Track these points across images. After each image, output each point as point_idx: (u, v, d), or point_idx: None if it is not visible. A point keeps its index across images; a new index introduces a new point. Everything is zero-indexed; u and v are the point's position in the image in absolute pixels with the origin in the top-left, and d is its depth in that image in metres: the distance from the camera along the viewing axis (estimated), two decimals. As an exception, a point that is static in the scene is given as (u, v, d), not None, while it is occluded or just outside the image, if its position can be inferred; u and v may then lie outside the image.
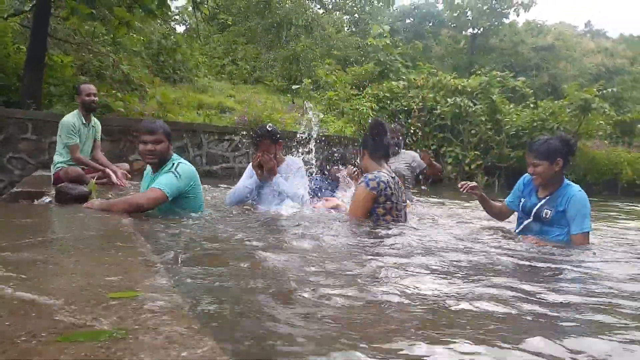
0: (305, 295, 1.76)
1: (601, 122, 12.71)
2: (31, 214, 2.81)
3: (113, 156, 7.61)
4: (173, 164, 3.43)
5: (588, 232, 3.18)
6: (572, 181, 3.37)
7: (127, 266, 1.65)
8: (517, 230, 3.52)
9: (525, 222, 3.43)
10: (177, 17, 19.40)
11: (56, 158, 5.35)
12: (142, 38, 13.26)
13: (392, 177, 3.29)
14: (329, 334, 1.40)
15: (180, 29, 19.99)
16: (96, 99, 5.54)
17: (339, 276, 2.07)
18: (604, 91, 12.97)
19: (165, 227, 2.95)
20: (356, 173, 4.24)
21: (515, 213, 3.63)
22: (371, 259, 2.40)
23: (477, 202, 3.97)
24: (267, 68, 18.40)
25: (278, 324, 1.44)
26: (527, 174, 3.50)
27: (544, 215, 3.28)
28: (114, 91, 9.40)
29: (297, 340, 1.33)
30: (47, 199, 3.60)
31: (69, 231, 2.38)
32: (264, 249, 2.53)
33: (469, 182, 3.67)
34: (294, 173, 3.96)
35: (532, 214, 3.35)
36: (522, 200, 3.47)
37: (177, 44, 14.20)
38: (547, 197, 3.29)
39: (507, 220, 3.83)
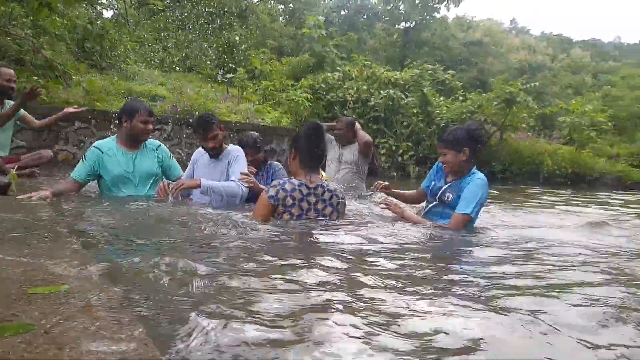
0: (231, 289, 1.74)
1: (525, 114, 13.36)
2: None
3: (35, 147, 7.20)
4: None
5: (468, 215, 3.23)
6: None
7: (51, 258, 1.56)
8: (423, 213, 3.66)
9: (431, 205, 3.58)
10: (104, 1, 18.54)
11: None
12: (65, 22, 12.57)
13: (308, 186, 2.90)
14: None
15: (107, 14, 19.12)
16: (15, 85, 5.21)
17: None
18: (528, 85, 13.63)
19: (93, 216, 2.83)
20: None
21: None
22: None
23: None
24: (200, 56, 17.98)
25: (217, 318, 1.41)
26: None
27: (446, 198, 3.42)
28: (35, 77, 8.85)
29: (226, 334, 1.31)
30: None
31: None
32: (203, 236, 2.48)
33: (381, 182, 3.85)
34: (235, 160, 3.86)
35: (437, 196, 3.49)
36: (432, 183, 3.61)
37: (104, 29, 13.58)
38: (453, 182, 3.44)
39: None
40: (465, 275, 2.13)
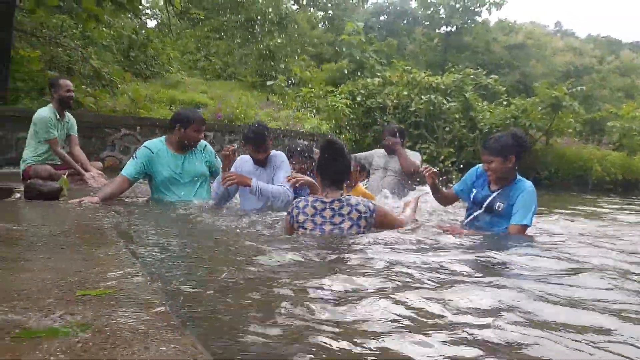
0: (285, 299, 1.72)
1: (571, 119, 12.94)
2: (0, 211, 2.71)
3: (85, 153, 7.43)
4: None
5: (527, 226, 3.23)
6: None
7: (101, 262, 1.59)
8: (466, 221, 3.57)
9: (476, 213, 3.48)
10: (148, 11, 19.09)
11: (26, 154, 5.18)
12: (112, 32, 12.99)
13: (324, 200, 2.85)
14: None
15: (151, 23, 19.68)
16: (73, 95, 5.43)
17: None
18: (574, 89, 13.20)
19: (143, 222, 2.88)
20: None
21: (460, 201, 3.75)
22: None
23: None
24: (241, 64, 18.26)
25: (257, 323, 1.40)
26: (479, 165, 3.57)
27: (496, 208, 3.33)
28: (83, 86, 9.16)
29: (274, 341, 1.30)
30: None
31: (41, 227, 2.29)
32: (246, 247, 2.48)
33: (431, 168, 3.69)
34: (279, 166, 3.88)
35: (484, 205, 3.40)
36: (474, 191, 3.52)
37: (148, 38, 13.97)
38: (500, 190, 3.35)
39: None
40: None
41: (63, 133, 5.39)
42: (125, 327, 1.01)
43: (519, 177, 3.39)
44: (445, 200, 3.89)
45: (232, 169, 3.95)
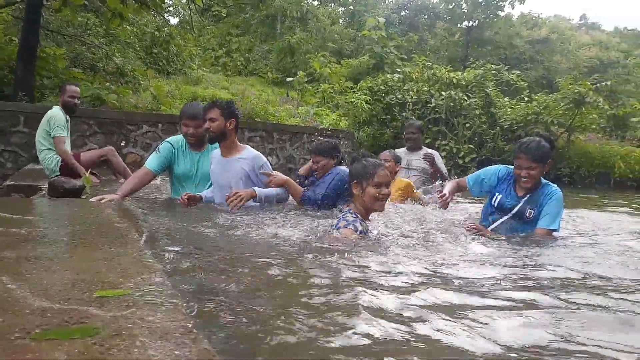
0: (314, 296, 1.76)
1: (594, 115, 12.74)
2: (24, 208, 2.80)
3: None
4: None
5: (555, 231, 3.22)
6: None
7: (121, 262, 1.64)
8: (490, 228, 3.45)
9: (502, 219, 3.40)
10: (170, 8, 19.29)
11: (50, 153, 5.34)
12: (135, 30, 13.18)
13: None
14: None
15: (173, 20, 19.87)
16: (78, 102, 5.56)
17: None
18: (598, 85, 12.98)
19: (161, 220, 2.95)
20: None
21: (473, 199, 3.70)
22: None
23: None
24: (262, 60, 18.33)
25: (277, 330, 1.44)
26: (500, 167, 3.53)
27: (527, 215, 3.29)
28: (107, 83, 9.34)
29: (292, 344, 1.33)
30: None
31: (62, 226, 2.37)
32: (266, 247, 2.53)
33: (440, 194, 3.63)
34: (262, 169, 3.82)
35: (513, 212, 3.35)
36: (498, 196, 3.45)
37: (170, 35, 14.13)
38: (528, 197, 3.30)
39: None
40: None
41: (68, 134, 5.55)
42: (142, 329, 1.06)
43: (544, 180, 3.35)
44: (457, 189, 3.87)
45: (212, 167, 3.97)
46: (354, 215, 2.83)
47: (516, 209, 3.33)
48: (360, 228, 2.76)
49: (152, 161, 3.96)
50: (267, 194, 3.72)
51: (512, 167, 3.42)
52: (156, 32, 13.89)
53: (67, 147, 5.43)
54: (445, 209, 3.64)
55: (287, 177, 3.87)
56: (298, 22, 20.29)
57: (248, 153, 3.85)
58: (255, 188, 3.69)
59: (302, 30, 19.42)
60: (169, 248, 2.30)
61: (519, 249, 2.88)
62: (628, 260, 2.78)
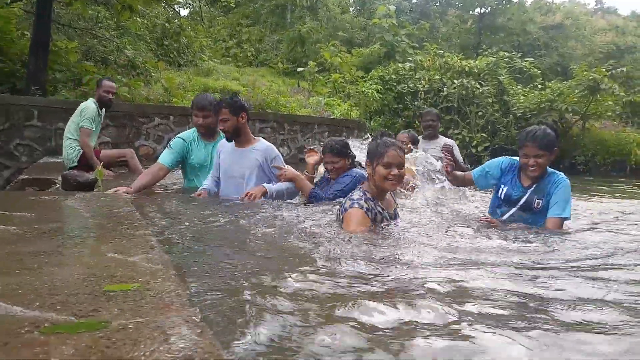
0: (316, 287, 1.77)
1: (610, 102, 12.56)
2: (37, 202, 2.84)
3: (119, 142, 7.65)
4: None
5: (566, 219, 3.20)
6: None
7: (130, 256, 1.66)
8: (501, 218, 3.43)
9: (511, 211, 3.37)
10: (180, 0, 19.29)
11: (74, 143, 5.43)
12: (145, 22, 13.21)
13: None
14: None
15: (184, 12, 19.88)
16: (113, 97, 5.71)
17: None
18: (614, 71, 12.78)
19: (175, 215, 2.97)
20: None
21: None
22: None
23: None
24: (272, 50, 18.30)
25: (281, 321, 1.44)
26: (504, 158, 3.50)
27: (535, 205, 3.25)
28: (118, 76, 9.39)
29: (298, 346, 1.34)
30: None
31: (74, 219, 2.40)
32: (276, 242, 2.54)
33: (450, 158, 3.67)
34: (274, 161, 3.85)
35: (520, 203, 3.31)
36: (504, 188, 3.41)
37: (181, 27, 14.15)
38: (534, 186, 3.26)
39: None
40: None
41: (98, 129, 5.63)
42: (149, 324, 1.07)
43: (548, 169, 3.31)
44: (461, 183, 3.87)
45: (216, 156, 4.01)
46: (362, 194, 2.84)
47: (523, 199, 3.29)
48: (365, 205, 2.76)
49: (165, 157, 4.05)
50: (278, 189, 3.75)
51: (516, 158, 3.39)
52: (167, 24, 13.92)
53: (92, 141, 5.54)
54: (449, 173, 3.67)
55: (298, 173, 3.87)
56: (308, 11, 20.19)
57: (261, 144, 3.88)
58: (266, 185, 3.73)
59: (312, 19, 19.32)
60: (180, 243, 2.32)
61: (525, 242, 2.85)
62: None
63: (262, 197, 3.68)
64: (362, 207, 2.75)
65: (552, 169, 3.33)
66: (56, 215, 2.49)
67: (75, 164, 5.37)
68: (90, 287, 1.27)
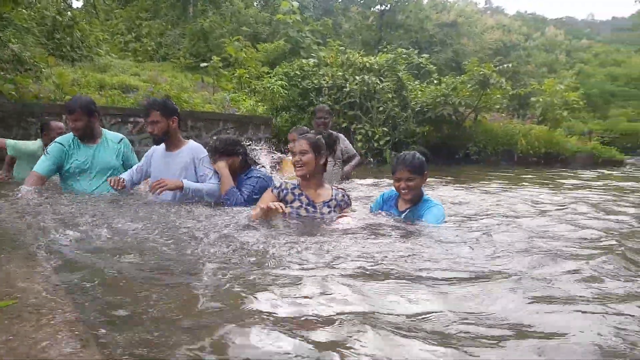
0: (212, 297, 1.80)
1: (498, 96, 13.51)
2: None
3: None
4: None
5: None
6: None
7: (9, 270, 1.61)
8: None
9: None
10: (73, -10, 18.17)
11: None
12: (33, 14, 12.33)
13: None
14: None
15: (77, 3, 18.75)
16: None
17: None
18: (501, 67, 13.76)
19: (60, 220, 2.85)
20: None
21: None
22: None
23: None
24: (174, 45, 17.77)
25: (179, 332, 1.47)
26: (386, 191, 3.68)
27: None
28: (2, 72, 8.70)
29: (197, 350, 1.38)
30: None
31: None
32: (165, 245, 2.52)
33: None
34: (201, 161, 3.83)
35: None
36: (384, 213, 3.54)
37: (74, 20, 13.35)
38: (408, 210, 3.40)
39: None
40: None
41: None
42: (26, 340, 1.06)
43: (425, 196, 3.46)
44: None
45: (144, 157, 3.99)
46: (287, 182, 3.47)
47: None
48: (278, 186, 3.40)
49: (41, 165, 3.89)
50: (196, 187, 3.71)
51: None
52: (58, 16, 13.07)
53: None
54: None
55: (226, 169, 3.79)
56: (210, 4, 19.79)
57: (190, 145, 3.89)
58: (184, 180, 3.68)
59: (215, 13, 18.97)
60: (65, 251, 2.23)
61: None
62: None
63: (178, 192, 3.65)
64: (273, 188, 3.38)
65: (429, 197, 3.49)
66: None
67: None
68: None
